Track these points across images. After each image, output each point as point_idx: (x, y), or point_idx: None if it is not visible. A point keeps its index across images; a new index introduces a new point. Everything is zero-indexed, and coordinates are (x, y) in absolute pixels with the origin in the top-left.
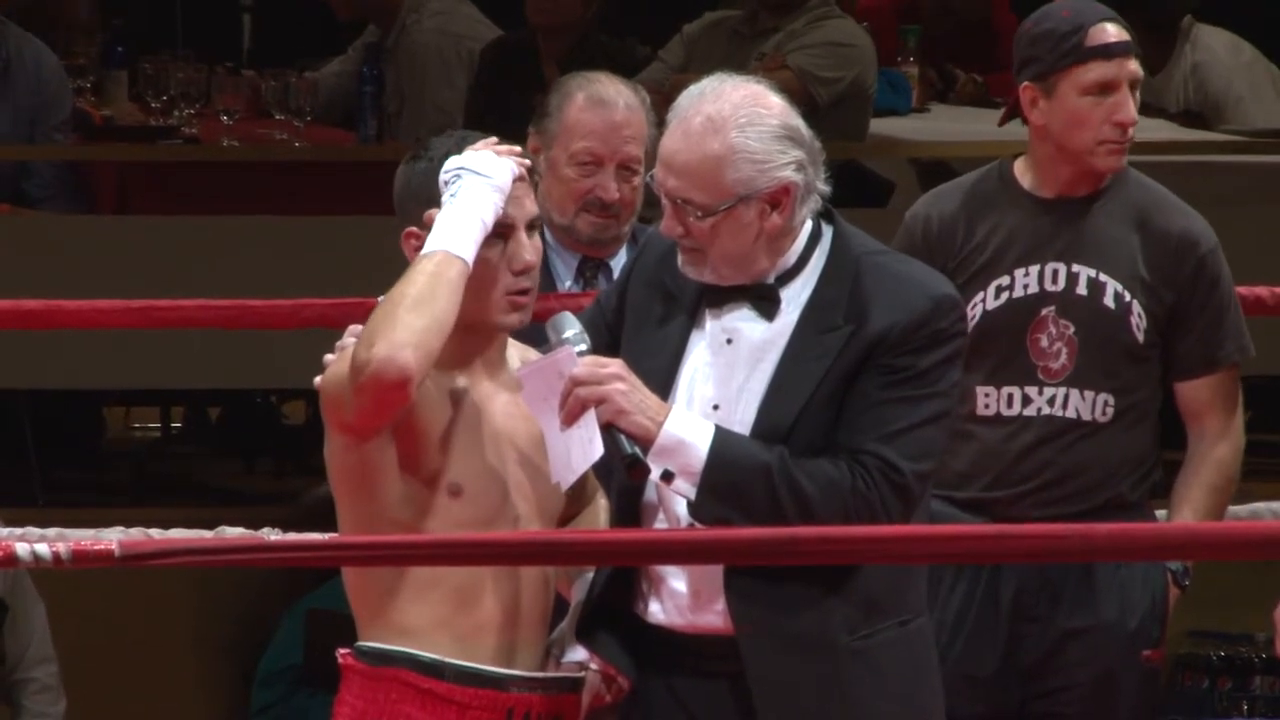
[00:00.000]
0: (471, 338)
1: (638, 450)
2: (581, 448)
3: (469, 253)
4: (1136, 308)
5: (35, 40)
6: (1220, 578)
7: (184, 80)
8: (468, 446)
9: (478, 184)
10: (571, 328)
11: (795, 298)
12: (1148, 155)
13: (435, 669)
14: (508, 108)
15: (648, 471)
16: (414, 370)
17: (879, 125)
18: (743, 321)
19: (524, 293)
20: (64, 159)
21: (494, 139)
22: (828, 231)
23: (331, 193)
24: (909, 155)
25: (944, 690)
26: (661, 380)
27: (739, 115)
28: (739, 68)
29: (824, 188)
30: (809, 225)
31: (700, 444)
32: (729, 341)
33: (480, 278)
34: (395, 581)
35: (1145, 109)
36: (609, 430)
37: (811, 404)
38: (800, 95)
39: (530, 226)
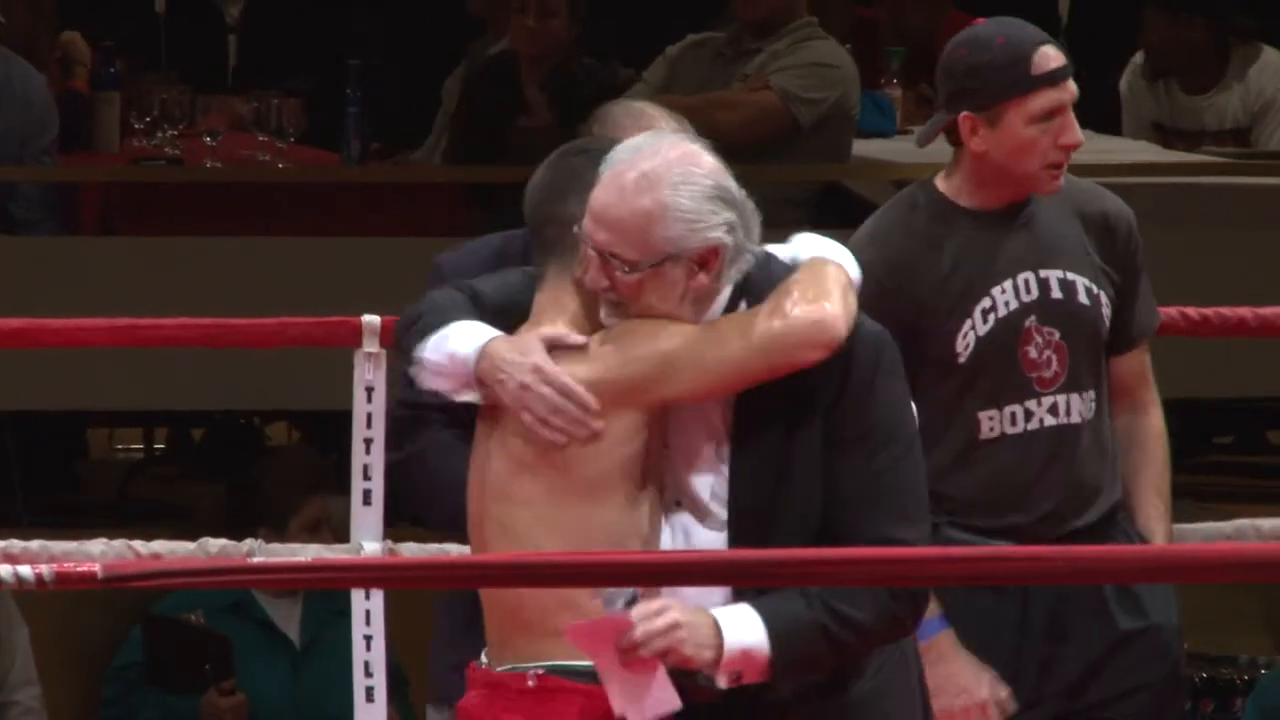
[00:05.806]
0: None
1: (707, 677)
2: (655, 695)
3: None
4: (1104, 298)
5: (23, 63)
6: (1204, 599)
7: (168, 101)
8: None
9: None
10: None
11: None
12: (1131, 176)
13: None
14: (490, 129)
15: (718, 688)
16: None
17: (862, 147)
18: None
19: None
20: (47, 180)
21: None
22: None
23: (315, 214)
24: (892, 177)
25: None
26: None
27: (673, 173)
28: (721, 88)
29: (756, 249)
30: (729, 288)
31: (758, 642)
32: None
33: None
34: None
35: (1184, 135)
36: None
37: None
38: (783, 116)
39: None
